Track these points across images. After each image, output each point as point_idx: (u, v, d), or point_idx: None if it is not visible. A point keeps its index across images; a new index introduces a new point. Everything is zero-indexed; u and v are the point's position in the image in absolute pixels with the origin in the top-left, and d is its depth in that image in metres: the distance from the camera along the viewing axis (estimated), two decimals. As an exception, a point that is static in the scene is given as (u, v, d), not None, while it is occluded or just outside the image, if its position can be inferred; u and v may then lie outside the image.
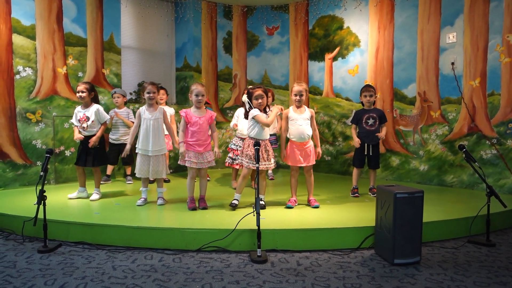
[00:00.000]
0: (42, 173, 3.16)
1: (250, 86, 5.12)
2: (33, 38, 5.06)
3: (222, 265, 2.86)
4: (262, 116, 3.82)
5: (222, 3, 6.91)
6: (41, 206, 3.10)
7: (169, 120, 4.92)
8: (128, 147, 4.05)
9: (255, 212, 2.99)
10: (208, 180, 5.13)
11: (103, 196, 4.41)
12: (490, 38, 4.88)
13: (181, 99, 6.85)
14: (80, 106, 4.35)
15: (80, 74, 5.48)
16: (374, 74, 5.94)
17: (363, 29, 6.05)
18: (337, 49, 6.34)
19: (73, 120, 4.31)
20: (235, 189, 4.95)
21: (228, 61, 7.08)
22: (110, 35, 5.79)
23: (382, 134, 4.48)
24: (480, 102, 4.99)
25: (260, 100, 3.83)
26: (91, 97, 4.29)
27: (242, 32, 7.14)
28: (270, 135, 5.42)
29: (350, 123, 4.86)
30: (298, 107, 4.00)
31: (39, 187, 3.12)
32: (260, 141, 3.81)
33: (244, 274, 2.69)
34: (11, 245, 3.27)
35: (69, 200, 4.24)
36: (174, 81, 7.00)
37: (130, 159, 5.37)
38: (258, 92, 3.84)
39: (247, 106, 3.96)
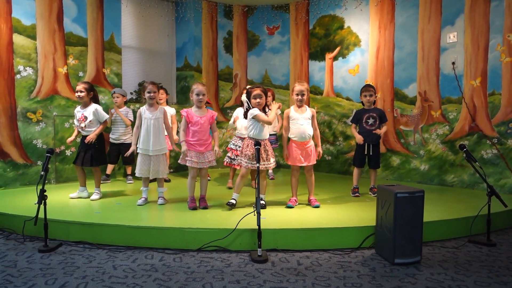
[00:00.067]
0: (42, 173, 3.17)
1: (249, 86, 5.13)
2: (33, 37, 5.06)
3: (223, 264, 2.86)
4: (262, 115, 3.81)
5: (223, 3, 6.90)
6: (42, 206, 3.10)
7: (170, 120, 4.93)
8: (133, 148, 4.04)
9: (255, 211, 2.99)
10: (209, 180, 5.12)
11: (104, 195, 4.41)
12: (491, 37, 4.87)
13: (182, 99, 6.86)
14: (79, 106, 4.35)
15: (80, 73, 5.48)
16: (374, 73, 5.93)
17: (364, 28, 6.05)
18: (338, 48, 6.34)
19: (75, 121, 4.33)
20: (229, 188, 4.96)
21: (228, 60, 7.08)
22: (111, 35, 5.79)
23: (381, 130, 4.47)
24: (481, 102, 4.99)
25: (258, 100, 3.82)
26: (90, 97, 4.28)
27: (242, 31, 7.14)
28: (270, 134, 5.44)
29: (350, 123, 4.86)
30: (299, 106, 4.00)
31: (40, 187, 3.12)
32: (260, 141, 3.81)
33: (244, 274, 2.69)
34: (12, 244, 3.28)
35: (69, 200, 4.25)
36: (174, 81, 7.00)
37: (131, 159, 5.37)
38: (257, 91, 3.84)
39: (246, 105, 3.96)
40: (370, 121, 4.51)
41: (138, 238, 3.22)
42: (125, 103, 5.50)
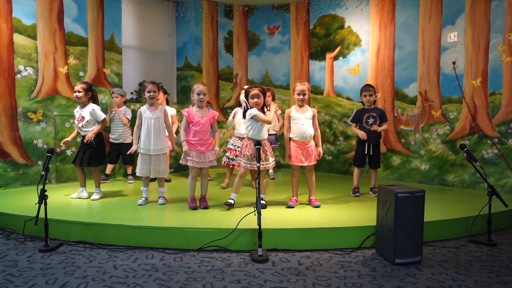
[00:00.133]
0: (43, 173, 3.17)
1: (246, 86, 5.12)
2: (34, 37, 5.06)
3: (223, 264, 2.86)
4: (261, 114, 3.81)
5: (223, 3, 6.90)
6: (42, 206, 3.10)
7: (171, 120, 4.92)
8: (134, 147, 4.03)
9: (256, 211, 2.99)
10: (210, 180, 5.12)
11: (104, 195, 4.41)
12: (492, 37, 4.87)
13: (182, 99, 6.86)
14: (79, 107, 4.35)
15: (81, 73, 5.48)
16: (375, 73, 5.93)
17: (364, 28, 6.04)
18: (338, 48, 6.34)
19: (75, 121, 4.33)
20: (223, 188, 4.95)
21: (229, 60, 7.08)
22: (111, 35, 5.79)
23: (380, 128, 4.45)
24: (481, 102, 4.99)
25: (256, 100, 3.81)
26: (88, 97, 4.27)
27: (243, 31, 7.14)
28: (270, 135, 5.44)
29: (350, 122, 4.85)
30: (300, 106, 3.99)
31: (40, 187, 3.13)
32: (256, 141, 3.80)
33: (245, 274, 2.69)
34: (13, 244, 3.28)
35: (70, 200, 4.25)
36: (175, 81, 7.00)
37: (131, 159, 5.37)
38: (254, 91, 3.82)
39: (244, 105, 3.96)
40: (370, 120, 4.51)
41: (139, 238, 3.22)
42: (125, 102, 5.49)
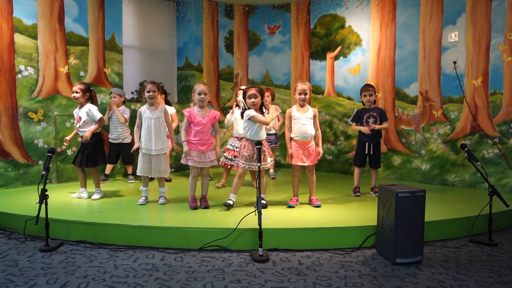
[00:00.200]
0: (44, 172, 3.17)
1: (243, 86, 5.12)
2: (35, 37, 5.06)
3: (224, 264, 2.86)
4: (259, 116, 3.80)
5: (224, 2, 6.90)
6: (43, 205, 3.10)
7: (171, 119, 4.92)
8: (136, 145, 4.01)
9: (256, 211, 2.99)
10: (210, 179, 5.12)
11: (105, 195, 4.42)
12: (492, 37, 4.86)
13: (183, 98, 6.86)
14: (78, 107, 4.35)
15: (81, 73, 5.48)
16: (375, 73, 5.93)
17: (365, 28, 6.04)
18: (339, 48, 6.33)
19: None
20: (217, 188, 4.95)
21: (229, 60, 7.08)
22: (112, 34, 5.79)
23: (378, 126, 4.45)
24: (482, 101, 4.98)
25: (253, 99, 3.79)
26: (86, 98, 4.25)
27: (243, 31, 7.13)
28: (270, 134, 5.44)
29: (351, 122, 4.85)
30: (301, 106, 3.98)
31: (41, 186, 3.13)
32: (255, 142, 3.80)
33: (245, 273, 2.69)
34: (13, 244, 3.28)
35: (71, 199, 4.25)
36: (175, 80, 7.00)
37: (131, 159, 5.37)
38: (251, 91, 3.81)
39: (242, 106, 3.96)
40: (371, 120, 4.50)
41: (139, 237, 3.22)
42: (124, 102, 5.47)
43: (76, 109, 4.34)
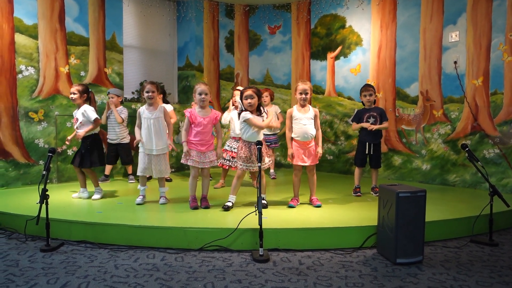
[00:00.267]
0: (44, 172, 3.17)
1: (239, 87, 5.12)
2: (35, 37, 5.06)
3: (224, 264, 2.86)
4: (254, 119, 3.78)
5: (224, 2, 6.90)
6: (44, 205, 3.10)
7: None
8: (138, 138, 4.00)
9: (257, 211, 2.99)
10: (211, 180, 5.12)
11: (105, 195, 4.42)
12: (493, 37, 4.86)
13: (183, 98, 6.86)
14: (76, 108, 4.36)
15: (82, 73, 5.49)
16: (376, 73, 5.93)
17: (365, 28, 6.04)
18: (339, 48, 6.33)
19: None
20: (216, 188, 4.95)
21: (230, 60, 7.08)
22: (112, 34, 5.79)
23: (377, 126, 4.44)
24: (483, 101, 4.98)
25: (249, 100, 3.78)
26: (83, 99, 4.23)
27: (244, 31, 7.13)
28: (270, 135, 5.44)
29: (351, 122, 4.84)
30: (302, 106, 3.97)
31: (42, 186, 3.13)
32: (252, 143, 3.80)
33: (246, 273, 2.69)
34: (14, 244, 3.28)
35: (71, 199, 4.26)
36: (176, 80, 7.00)
37: (129, 159, 5.37)
38: (248, 92, 3.80)
39: (240, 107, 3.95)
40: (371, 120, 4.50)
41: (140, 237, 3.22)
42: (121, 102, 5.46)
43: (76, 110, 4.34)
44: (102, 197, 4.31)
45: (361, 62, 6.10)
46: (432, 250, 3.16)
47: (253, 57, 7.17)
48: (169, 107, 5.39)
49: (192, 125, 3.88)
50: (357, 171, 4.64)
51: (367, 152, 4.53)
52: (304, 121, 3.92)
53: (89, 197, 4.30)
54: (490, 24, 4.88)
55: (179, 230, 3.21)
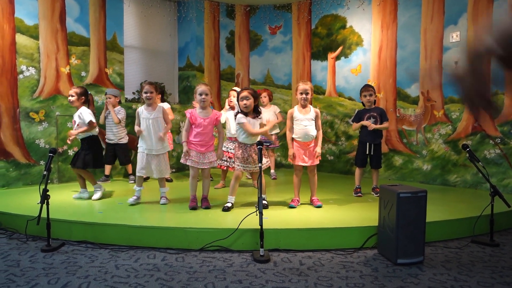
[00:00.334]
0: (45, 172, 3.17)
1: (236, 87, 5.12)
2: (36, 37, 5.07)
3: (225, 264, 2.85)
4: (248, 125, 3.77)
5: (225, 3, 6.90)
6: (44, 205, 3.10)
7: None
8: (137, 128, 4.01)
9: (257, 211, 2.99)
10: (211, 180, 5.12)
11: (106, 195, 4.42)
12: (494, 37, 4.85)
13: (184, 99, 6.86)
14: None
15: (83, 73, 5.49)
16: (377, 73, 5.92)
17: (366, 28, 6.03)
18: (340, 48, 6.33)
19: None
20: (216, 188, 4.95)
21: (230, 60, 7.08)
22: (113, 35, 5.80)
23: (377, 125, 4.43)
24: (484, 102, 4.96)
25: (245, 102, 3.77)
26: (81, 102, 4.21)
27: (244, 31, 7.13)
28: (270, 134, 5.44)
29: (351, 122, 4.84)
30: (303, 106, 3.96)
31: (43, 186, 3.13)
32: (249, 145, 3.80)
33: (246, 274, 2.69)
34: (15, 244, 3.28)
35: (72, 200, 4.26)
36: (176, 81, 7.01)
37: (127, 159, 5.36)
38: (243, 93, 3.79)
39: (236, 108, 3.95)
40: (371, 120, 4.50)
41: (141, 237, 3.22)
42: (119, 102, 5.45)
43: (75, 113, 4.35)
44: (102, 194, 4.29)
45: (361, 62, 6.10)
46: (433, 251, 3.16)
47: (253, 58, 7.17)
48: (165, 105, 5.40)
49: (193, 126, 3.88)
50: (357, 171, 4.63)
51: (367, 153, 4.53)
52: (305, 122, 3.91)
53: (90, 197, 4.29)
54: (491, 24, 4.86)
55: (180, 230, 3.21)
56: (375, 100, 4.60)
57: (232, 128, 4.56)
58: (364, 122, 4.47)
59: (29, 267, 2.78)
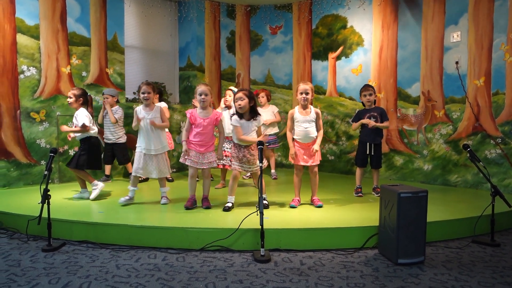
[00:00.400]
0: (46, 172, 3.18)
1: (232, 87, 5.12)
2: (37, 37, 5.07)
3: (226, 264, 2.86)
4: (238, 130, 3.79)
5: (226, 3, 6.91)
6: (45, 205, 3.11)
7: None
8: (135, 119, 4.02)
9: (258, 211, 2.99)
10: (212, 180, 5.12)
11: (106, 195, 4.42)
12: (495, 37, 4.85)
13: (184, 99, 6.86)
14: None
15: (84, 73, 5.50)
16: (377, 73, 5.92)
17: (367, 28, 6.03)
18: (341, 48, 6.33)
19: None
20: (217, 188, 4.95)
21: (231, 60, 7.08)
22: (114, 35, 5.80)
23: (378, 124, 4.43)
24: (485, 101, 4.97)
25: (239, 102, 3.76)
26: (80, 103, 4.22)
27: (245, 31, 7.14)
28: (271, 135, 5.45)
29: (351, 122, 4.84)
30: (304, 107, 3.95)
31: (43, 186, 3.13)
32: (243, 146, 3.80)
33: (247, 274, 2.69)
34: (16, 243, 3.29)
35: (73, 199, 4.26)
36: (177, 81, 7.01)
37: (125, 159, 5.36)
38: (238, 94, 3.79)
39: (232, 109, 3.96)
40: (372, 120, 4.49)
41: (141, 237, 3.23)
42: (117, 102, 5.43)
43: None
44: (100, 191, 4.27)
45: (362, 62, 6.10)
46: (433, 251, 3.15)
47: (254, 58, 7.17)
48: (162, 105, 5.38)
49: (192, 126, 3.88)
50: (358, 171, 4.63)
51: (368, 153, 4.52)
52: (305, 124, 3.90)
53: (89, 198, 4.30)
54: (491, 24, 4.87)
55: (181, 230, 3.21)
56: (375, 100, 4.60)
57: (227, 128, 4.56)
58: (364, 121, 4.46)
59: (30, 267, 2.79)
